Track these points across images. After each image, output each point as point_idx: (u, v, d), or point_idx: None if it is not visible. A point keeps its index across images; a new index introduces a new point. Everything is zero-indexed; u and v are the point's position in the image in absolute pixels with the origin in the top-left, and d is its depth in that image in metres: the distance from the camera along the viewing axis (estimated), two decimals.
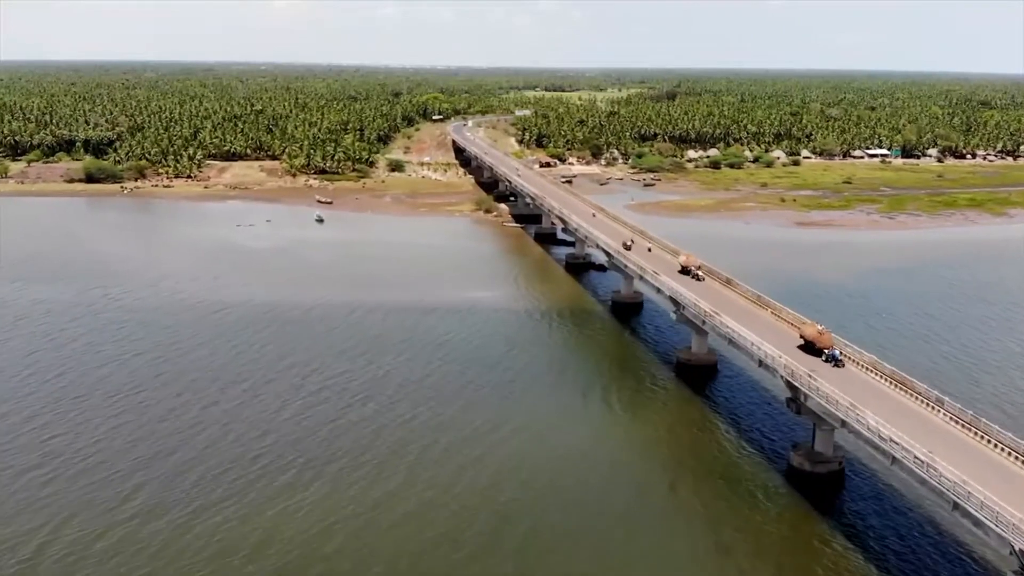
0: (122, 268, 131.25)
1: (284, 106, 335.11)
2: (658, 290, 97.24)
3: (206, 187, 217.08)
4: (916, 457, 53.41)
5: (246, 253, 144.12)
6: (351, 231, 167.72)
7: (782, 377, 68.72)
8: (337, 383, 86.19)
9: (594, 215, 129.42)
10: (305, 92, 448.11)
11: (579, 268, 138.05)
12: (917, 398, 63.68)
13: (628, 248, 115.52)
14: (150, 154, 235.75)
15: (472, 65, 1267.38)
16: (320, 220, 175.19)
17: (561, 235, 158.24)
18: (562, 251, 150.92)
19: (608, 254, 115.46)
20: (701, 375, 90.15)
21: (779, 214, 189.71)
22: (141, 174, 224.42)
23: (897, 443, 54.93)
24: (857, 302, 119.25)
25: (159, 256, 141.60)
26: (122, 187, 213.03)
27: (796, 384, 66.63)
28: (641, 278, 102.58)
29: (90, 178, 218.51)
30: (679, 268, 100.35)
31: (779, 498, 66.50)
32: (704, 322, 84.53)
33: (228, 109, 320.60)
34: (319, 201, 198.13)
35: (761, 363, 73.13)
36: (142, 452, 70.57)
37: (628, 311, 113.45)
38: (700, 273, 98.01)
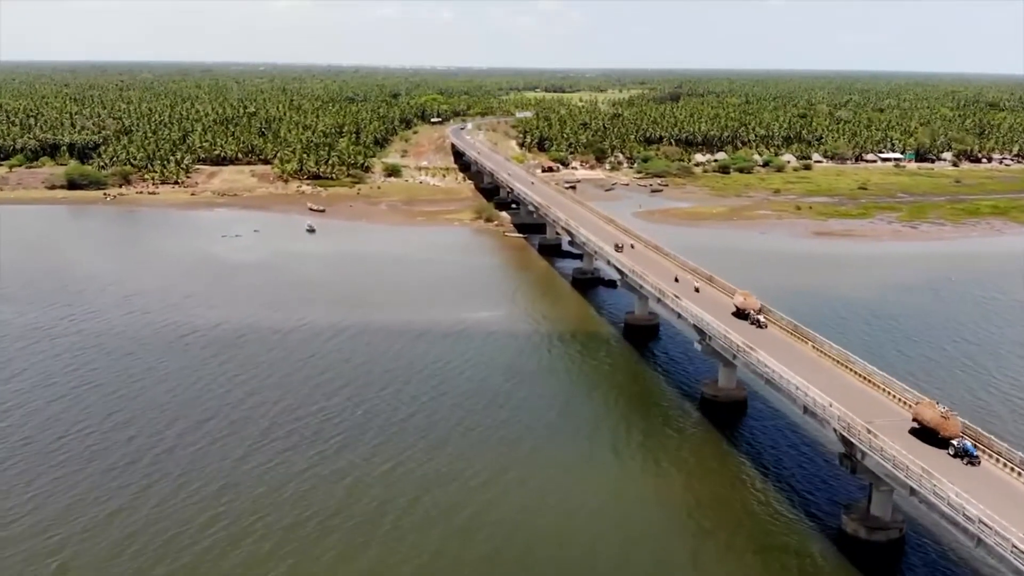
0: (90, 286, 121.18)
1: (278, 108, 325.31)
2: (679, 315, 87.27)
3: (193, 194, 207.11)
4: (1015, 546, 43.55)
5: (228, 268, 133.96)
6: (343, 242, 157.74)
7: (835, 431, 58.79)
8: (309, 425, 76.20)
9: (633, 246, 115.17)
10: (301, 93, 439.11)
11: (587, 284, 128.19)
12: (998, 460, 53.77)
13: (619, 250, 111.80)
14: (135, 159, 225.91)
15: (471, 66, 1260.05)
16: (311, 230, 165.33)
17: (567, 247, 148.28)
18: (568, 264, 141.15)
19: (621, 272, 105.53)
20: (729, 413, 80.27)
21: (795, 223, 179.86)
22: (126, 180, 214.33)
23: (989, 526, 45.03)
24: (886, 325, 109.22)
25: (132, 272, 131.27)
26: (105, 194, 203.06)
27: (853, 441, 56.76)
28: (659, 300, 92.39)
29: (72, 184, 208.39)
30: (733, 310, 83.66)
31: (829, 573, 56.66)
32: (736, 356, 74.61)
33: (220, 111, 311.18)
34: (311, 209, 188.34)
35: (807, 410, 63.24)
36: (81, 514, 60.55)
37: (643, 335, 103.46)
38: (762, 319, 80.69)
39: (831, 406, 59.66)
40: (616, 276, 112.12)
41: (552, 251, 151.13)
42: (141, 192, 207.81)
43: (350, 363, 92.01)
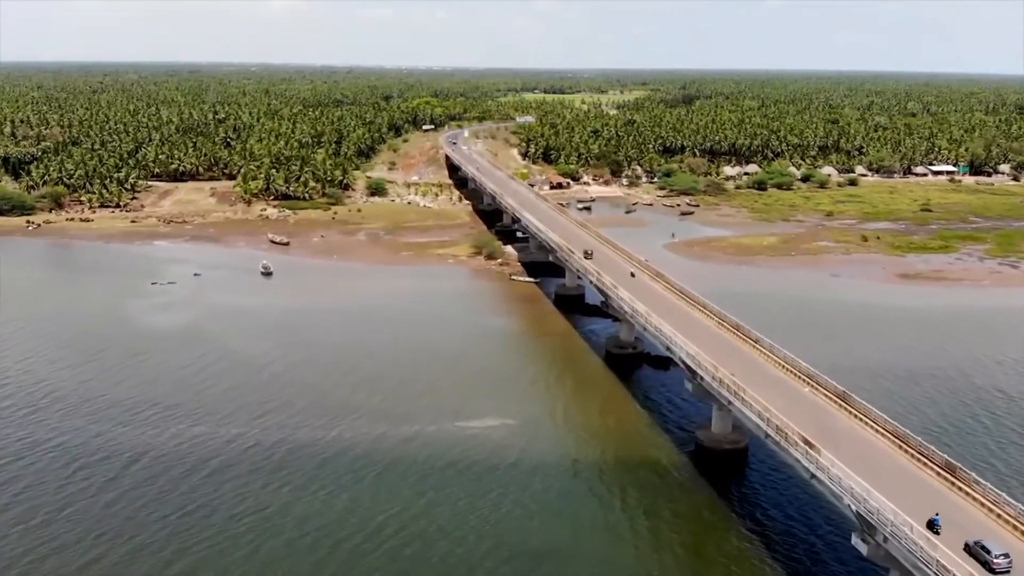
0: None
1: (250, 114, 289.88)
2: (812, 474, 53.24)
3: (133, 221, 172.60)
4: None
5: (132, 339, 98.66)
6: (301, 292, 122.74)
7: None
8: None
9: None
10: (286, 96, 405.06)
11: (627, 363, 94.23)
12: None
13: (589, 257, 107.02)
14: (71, 177, 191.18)
15: (468, 66, 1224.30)
16: (267, 272, 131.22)
17: (591, 299, 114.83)
18: (595, 325, 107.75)
19: (690, 368, 71.48)
20: None
21: (867, 260, 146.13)
22: (57, 203, 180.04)
23: None
24: None
25: None
26: (28, 222, 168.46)
27: None
28: (776, 442, 58.26)
29: None
30: None
31: None
32: None
33: (187, 117, 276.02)
34: (272, 241, 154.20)
35: None
36: None
37: (724, 463, 69.63)
38: None
39: None
40: (666, 350, 78.26)
41: (573, 305, 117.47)
42: (72, 218, 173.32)
43: (217, 541, 57.49)
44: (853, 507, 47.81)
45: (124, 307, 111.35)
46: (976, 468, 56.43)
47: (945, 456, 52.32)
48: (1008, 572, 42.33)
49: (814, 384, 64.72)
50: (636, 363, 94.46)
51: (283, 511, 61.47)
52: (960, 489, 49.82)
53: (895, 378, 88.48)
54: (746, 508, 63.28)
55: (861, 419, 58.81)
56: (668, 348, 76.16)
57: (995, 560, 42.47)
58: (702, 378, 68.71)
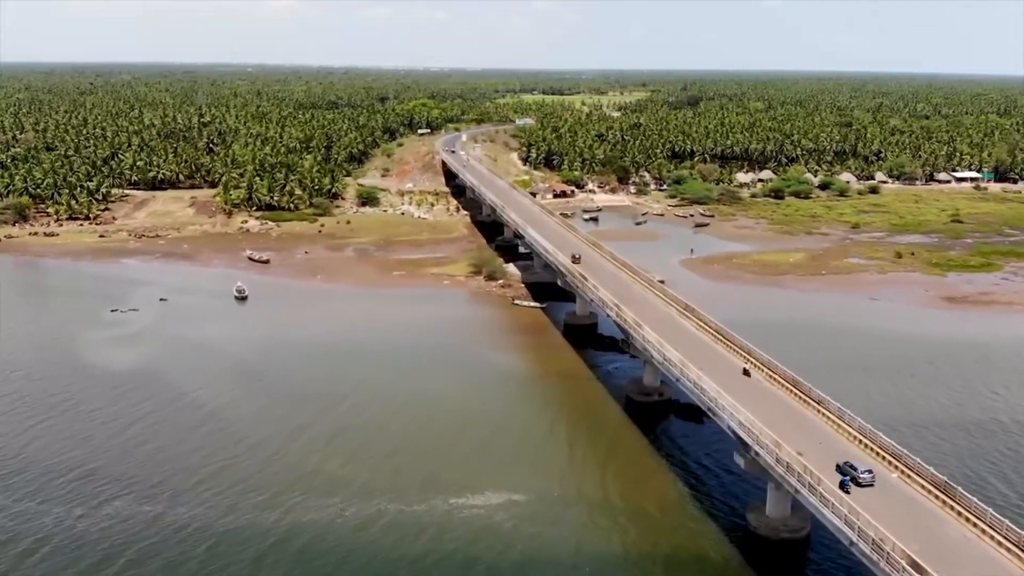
0: None
1: (236, 117, 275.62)
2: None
3: (102, 236, 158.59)
4: None
5: (75, 382, 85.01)
6: (276, 321, 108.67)
7: None
8: None
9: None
10: (279, 97, 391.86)
11: (652, 413, 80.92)
12: None
13: (577, 261, 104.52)
14: (39, 187, 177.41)
15: (466, 67, 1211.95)
16: (241, 296, 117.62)
17: (605, 329, 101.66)
18: (611, 363, 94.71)
19: (740, 439, 58.06)
20: None
21: (906, 280, 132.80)
22: (22, 216, 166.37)
23: None
24: None
25: None
26: None
27: None
28: (852, 540, 44.81)
29: None
30: None
31: None
32: None
33: (169, 120, 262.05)
34: (251, 259, 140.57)
35: None
36: None
37: (781, 556, 56.27)
38: None
39: None
40: (709, 412, 64.77)
41: (584, 336, 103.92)
42: (36, 232, 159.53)
43: None
44: None
45: (73, 341, 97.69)
46: None
47: None
48: (872, 485, 49.99)
49: (904, 469, 51.34)
50: (663, 413, 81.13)
51: None
52: None
53: (966, 435, 75.46)
54: None
55: (975, 523, 45.42)
56: (711, 411, 62.57)
57: (861, 475, 50.44)
58: (758, 454, 55.27)
